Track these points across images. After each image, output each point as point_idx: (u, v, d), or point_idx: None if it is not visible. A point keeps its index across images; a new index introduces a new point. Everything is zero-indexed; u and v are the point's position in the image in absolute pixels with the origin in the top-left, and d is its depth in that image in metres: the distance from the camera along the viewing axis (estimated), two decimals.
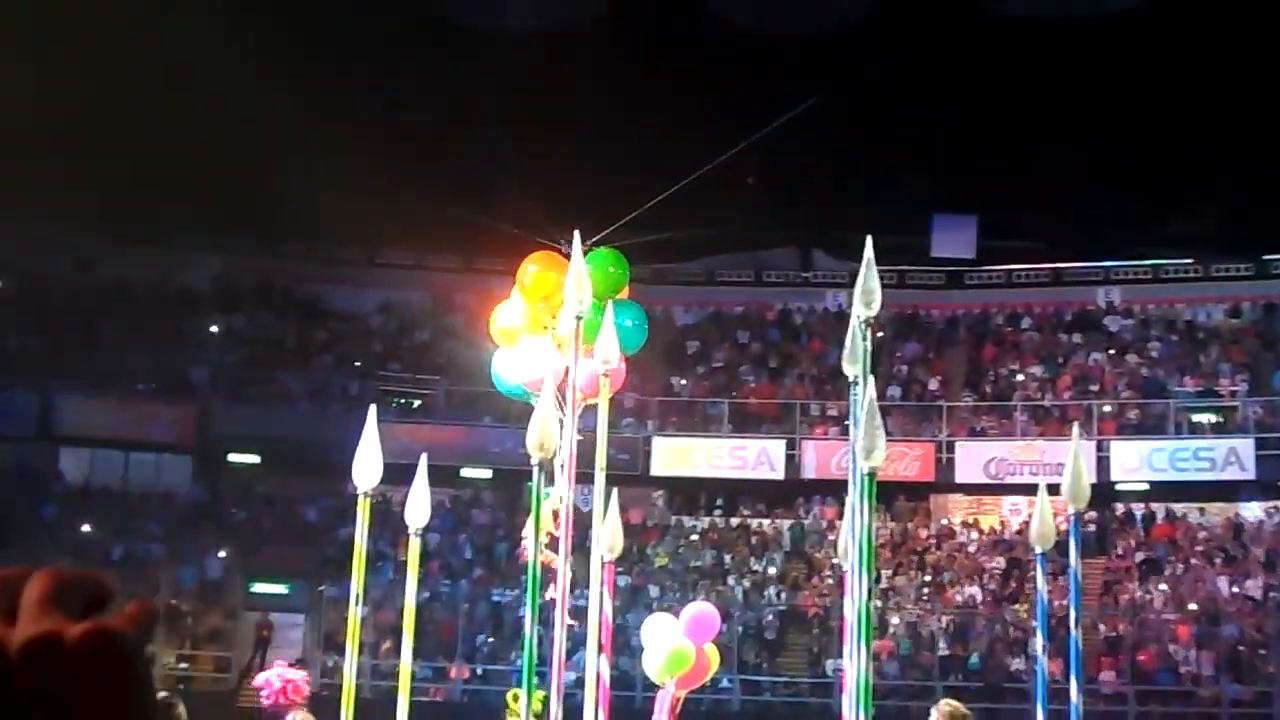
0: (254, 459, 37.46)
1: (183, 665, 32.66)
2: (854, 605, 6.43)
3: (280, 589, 34.96)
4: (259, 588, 34.99)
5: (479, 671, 32.21)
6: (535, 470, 8.00)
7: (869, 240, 7.03)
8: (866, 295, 7.02)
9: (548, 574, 14.34)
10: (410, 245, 40.80)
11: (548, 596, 13.86)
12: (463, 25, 34.83)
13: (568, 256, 13.51)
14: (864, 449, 6.37)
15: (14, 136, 31.20)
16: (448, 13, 34.92)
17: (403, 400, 38.10)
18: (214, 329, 39.92)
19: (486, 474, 37.07)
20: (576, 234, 9.40)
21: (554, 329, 13.30)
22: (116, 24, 30.51)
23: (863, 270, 7.10)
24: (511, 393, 13.55)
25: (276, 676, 12.92)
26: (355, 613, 9.08)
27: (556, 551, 13.46)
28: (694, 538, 36.70)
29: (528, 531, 13.29)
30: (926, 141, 35.43)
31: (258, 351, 39.22)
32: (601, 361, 9.38)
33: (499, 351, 13.44)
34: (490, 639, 32.80)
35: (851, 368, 7.12)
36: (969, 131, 34.82)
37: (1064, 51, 32.80)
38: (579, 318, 9.05)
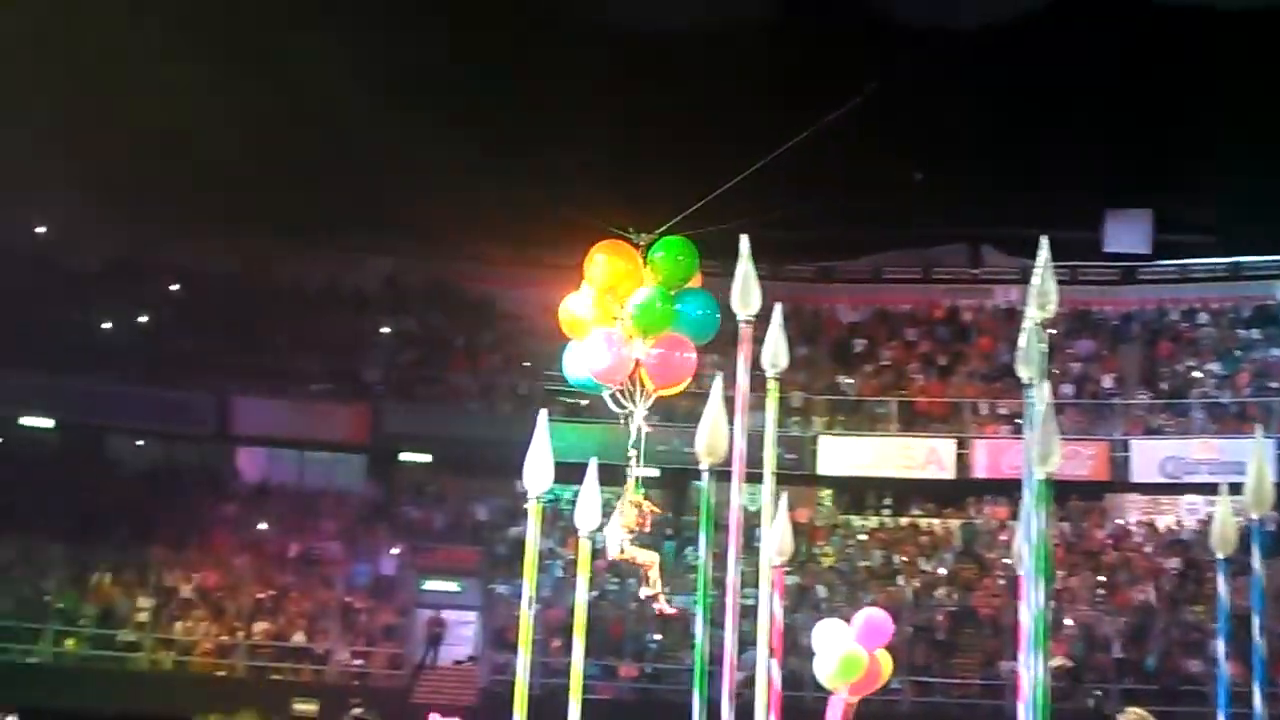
0: (425, 458, 37.96)
1: (357, 662, 33.17)
2: (1029, 612, 6.31)
3: (452, 586, 35.39)
4: (431, 585, 35.45)
5: (648, 670, 32.29)
6: (705, 475, 7.94)
7: (1044, 240, 6.83)
8: (1042, 297, 6.83)
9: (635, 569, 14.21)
10: (572, 245, 41.00)
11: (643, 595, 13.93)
12: (622, 27, 35.00)
13: (636, 246, 13.53)
14: (1039, 454, 6.23)
15: (189, 142, 32.09)
16: (607, 16, 35.13)
17: (570, 400, 38.34)
18: (385, 330, 40.51)
19: (654, 473, 37.03)
20: (744, 239, 9.30)
21: (623, 320, 13.16)
22: (283, 34, 31.20)
23: (1039, 271, 6.91)
24: (582, 386, 13.54)
25: None
26: (527, 613, 9.20)
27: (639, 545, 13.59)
28: (862, 537, 36.44)
29: (609, 530, 13.37)
30: (1099, 135, 34.82)
31: (428, 352, 39.72)
32: (770, 365, 9.27)
33: (570, 344, 13.23)
34: (658, 638, 32.86)
35: (1026, 370, 6.93)
36: (1143, 124, 34.16)
37: (1241, 40, 32.02)
38: (748, 322, 8.98)
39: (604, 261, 13.23)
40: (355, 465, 38.64)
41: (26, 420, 36.19)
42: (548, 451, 9.39)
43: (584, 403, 38.06)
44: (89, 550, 33.41)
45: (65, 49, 31.32)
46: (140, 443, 37.51)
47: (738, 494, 8.44)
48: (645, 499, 13.44)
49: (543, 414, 9.65)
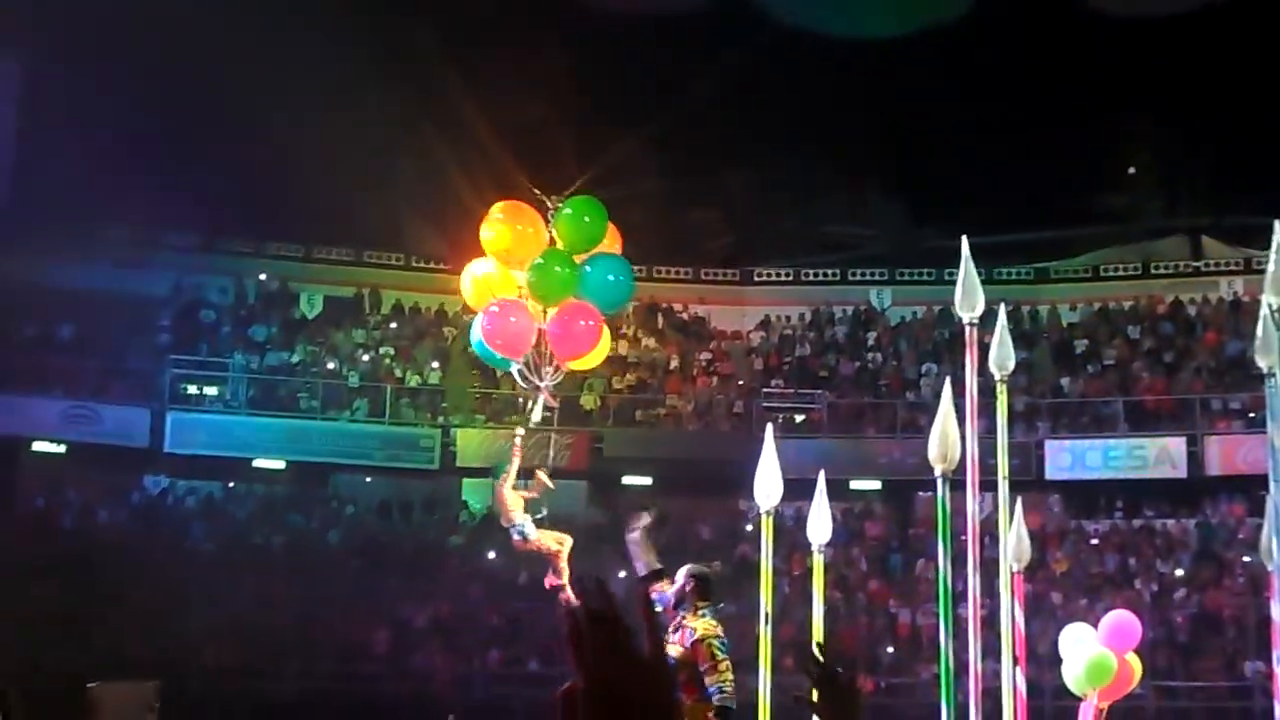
0: (646, 480, 38.16)
1: None
2: None
3: None
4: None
5: (882, 685, 31.99)
6: (939, 483, 7.86)
7: (1278, 225, 6.64)
8: (1278, 283, 6.64)
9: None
10: (784, 259, 41.13)
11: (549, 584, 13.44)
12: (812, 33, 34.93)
13: (538, 207, 12.63)
14: None
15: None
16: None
17: (787, 416, 38.23)
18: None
19: (876, 485, 36.87)
20: (965, 241, 9.18)
21: (523, 291, 12.60)
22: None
23: (1273, 258, 6.72)
24: (488, 358, 13.10)
25: None
26: (763, 630, 9.21)
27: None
28: (1095, 542, 35.68)
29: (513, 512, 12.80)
30: None
31: (644, 375, 39.99)
32: (997, 368, 9.14)
33: (478, 316, 12.75)
34: (891, 650, 32.57)
35: (1264, 359, 6.73)
36: None
37: None
38: (971, 325, 8.86)
39: (499, 225, 12.50)
40: (578, 491, 38.99)
41: (260, 463, 37.29)
42: (776, 467, 9.36)
43: (799, 419, 38.11)
44: (323, 584, 34.25)
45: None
46: (369, 479, 38.38)
47: (974, 501, 8.34)
48: (540, 475, 13.04)
49: (769, 429, 9.64)
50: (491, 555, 36.23)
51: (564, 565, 13.48)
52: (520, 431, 13.84)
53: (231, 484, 37.07)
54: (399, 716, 30.78)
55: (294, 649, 32.77)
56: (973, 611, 7.92)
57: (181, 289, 38.92)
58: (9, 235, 35.00)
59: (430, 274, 41.28)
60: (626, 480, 38.45)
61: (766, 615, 9.27)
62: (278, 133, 30.30)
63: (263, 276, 40.78)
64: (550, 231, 12.92)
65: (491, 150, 36.76)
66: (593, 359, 13.47)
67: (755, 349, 41.40)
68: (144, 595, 29.44)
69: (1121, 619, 12.95)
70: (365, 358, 39.75)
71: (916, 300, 40.05)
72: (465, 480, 38.78)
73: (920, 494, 33.20)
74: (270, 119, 30.38)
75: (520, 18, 33.94)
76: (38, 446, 35.23)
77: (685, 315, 42.20)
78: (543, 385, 12.83)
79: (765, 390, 38.94)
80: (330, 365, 39.09)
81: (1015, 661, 8.66)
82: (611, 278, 12.61)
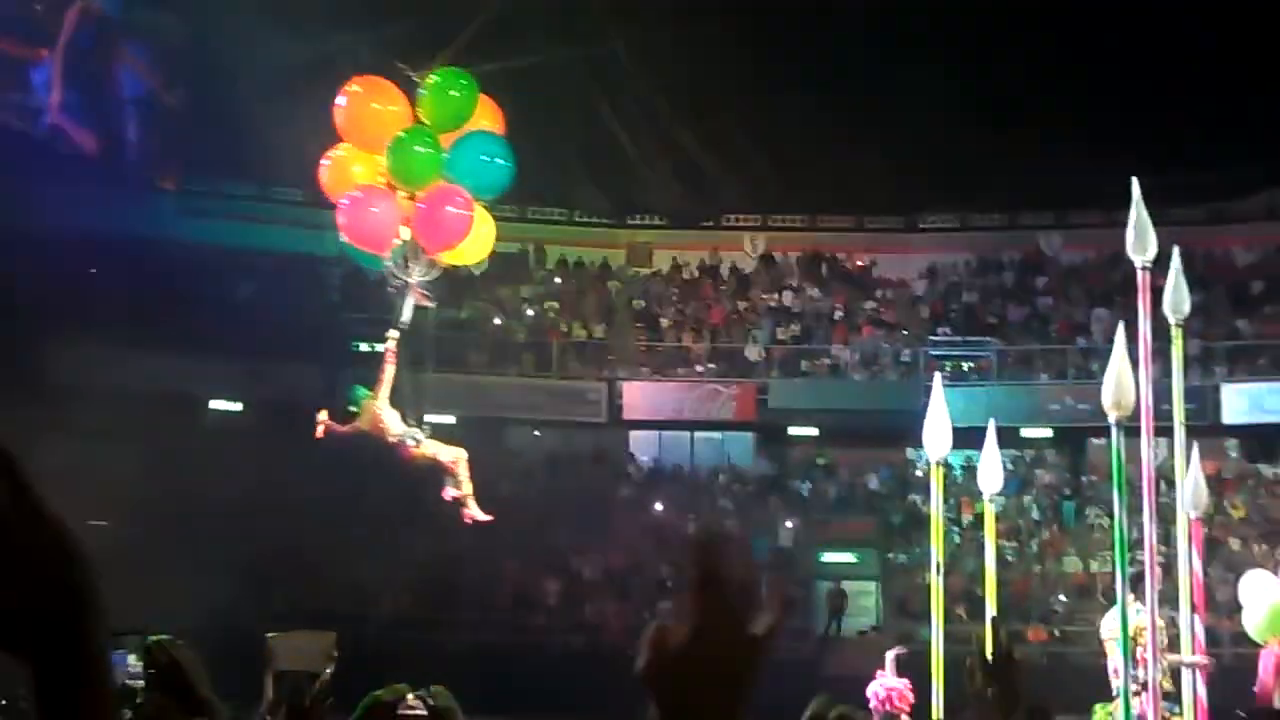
0: (813, 431, 38.06)
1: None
2: None
3: (849, 557, 35.46)
4: (828, 556, 35.59)
5: (1056, 634, 31.66)
6: (1114, 430, 7.73)
7: None
8: None
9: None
10: (950, 206, 40.65)
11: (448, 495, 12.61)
12: None
13: (399, 84, 11.13)
14: None
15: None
16: None
17: (955, 364, 37.85)
18: (766, 306, 40.86)
19: (1047, 433, 36.41)
20: (1135, 182, 8.96)
21: (385, 175, 11.13)
22: None
23: None
24: (354, 256, 11.87)
25: (881, 687, 12.91)
26: (936, 579, 9.15)
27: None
28: (1274, 486, 34.88)
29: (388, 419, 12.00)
30: None
31: (809, 325, 39.85)
32: (1172, 311, 8.94)
33: (338, 208, 11.34)
34: (1064, 599, 32.22)
35: None
36: None
37: None
38: (1145, 269, 8.66)
39: (352, 102, 10.96)
40: (745, 443, 39.06)
41: (431, 419, 37.79)
42: (945, 416, 9.26)
43: (968, 366, 37.68)
44: (496, 536, 34.68)
45: None
46: (537, 433, 38.78)
47: (1149, 448, 8.19)
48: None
49: (937, 378, 9.53)
50: (659, 506, 36.47)
51: (463, 477, 12.89)
52: (392, 335, 12.56)
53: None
54: (571, 666, 31.14)
55: (467, 601, 33.33)
56: (1149, 559, 7.79)
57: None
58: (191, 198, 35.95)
59: (594, 228, 41.66)
60: (793, 431, 38.40)
61: (938, 566, 9.20)
62: None
63: None
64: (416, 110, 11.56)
65: (658, 108, 36.96)
66: (471, 251, 11.95)
67: (921, 297, 41.04)
68: (322, 548, 30.07)
69: None
70: (531, 313, 40.10)
71: (1087, 244, 39.30)
72: (632, 432, 39.03)
73: (1093, 441, 32.64)
74: None
75: None
76: (216, 405, 36.16)
77: (849, 264, 41.95)
78: (412, 282, 11.63)
79: (932, 338, 38.60)
80: (497, 321, 39.48)
81: (1193, 609, 8.50)
82: (484, 157, 11.07)
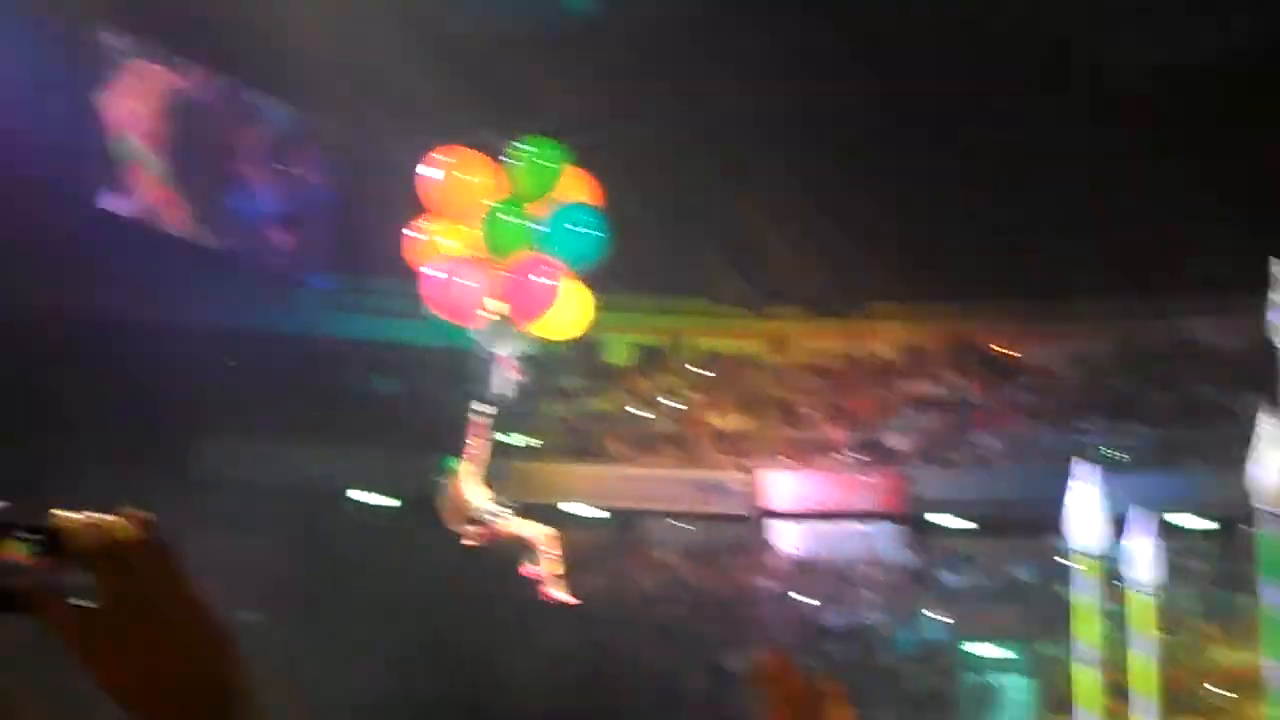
0: (960, 522, 37.55)
1: None
2: None
3: (998, 650, 34.81)
4: (976, 648, 34.97)
5: None
6: (1264, 517, 7.50)
7: None
8: None
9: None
10: (1097, 292, 40.06)
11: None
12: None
13: (489, 152, 10.93)
14: None
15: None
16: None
17: (1103, 452, 37.14)
18: (906, 394, 40.52)
19: (1199, 521, 35.55)
20: (1273, 262, 8.70)
21: (473, 246, 10.92)
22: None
23: None
24: (442, 329, 11.54)
25: None
26: (1091, 671, 8.90)
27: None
28: None
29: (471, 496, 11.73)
30: None
31: (954, 414, 39.42)
32: None
33: (423, 280, 11.16)
34: (1219, 691, 31.31)
35: None
36: None
37: None
38: None
39: (441, 175, 10.84)
40: (890, 534, 38.60)
41: (568, 508, 38.00)
42: (1094, 505, 9.07)
43: (1116, 454, 36.90)
44: (639, 629, 34.59)
45: None
46: (679, 525, 38.68)
47: None
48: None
49: (1084, 467, 9.32)
50: (803, 599, 36.14)
51: (551, 555, 12.45)
52: (482, 408, 12.05)
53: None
54: None
55: (612, 693, 33.21)
56: None
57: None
58: (335, 294, 36.61)
59: (734, 319, 41.66)
60: (939, 521, 37.92)
61: (1089, 658, 8.98)
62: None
63: None
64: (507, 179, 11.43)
65: (796, 194, 36.87)
66: (563, 323, 11.47)
67: (1068, 384, 40.42)
68: (466, 640, 30.21)
69: None
70: (671, 403, 40.15)
71: (1235, 328, 38.46)
72: (774, 524, 38.79)
73: (1245, 528, 31.81)
74: None
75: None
76: (361, 497, 36.58)
77: (995, 352, 41.51)
78: (501, 354, 11.31)
79: (1080, 426, 37.95)
80: (637, 412, 39.57)
81: None
82: (574, 226, 10.85)
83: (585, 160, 11.72)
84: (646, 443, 38.43)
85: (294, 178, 34.22)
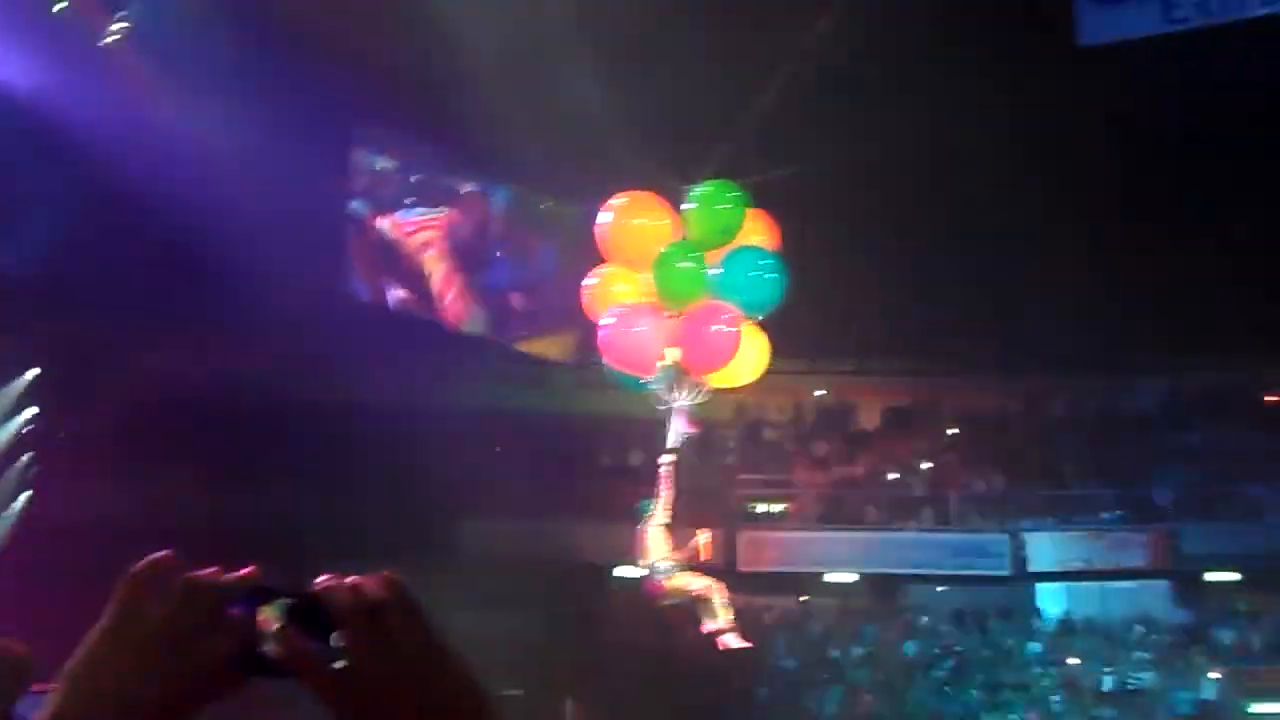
0: (1233, 576, 36.36)
1: None
2: None
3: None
4: (1258, 708, 33.73)
5: None
6: None
7: None
8: None
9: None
10: None
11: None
12: None
13: (667, 195, 10.39)
14: None
15: None
16: None
17: None
18: (1172, 449, 39.50)
19: None
20: None
21: (650, 294, 10.35)
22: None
23: None
24: (619, 380, 11.01)
25: None
26: None
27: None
28: None
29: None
30: None
31: (1221, 466, 38.23)
32: None
33: (600, 328, 10.68)
34: None
35: None
36: None
37: None
38: None
39: (616, 218, 10.44)
40: (1160, 591, 37.54)
41: (831, 577, 37.82)
42: None
43: None
44: (900, 697, 34.25)
45: None
46: (940, 589, 38.24)
47: None
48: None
49: None
50: (1073, 661, 35.39)
51: (718, 605, 12.18)
52: (666, 459, 11.92)
53: (805, 598, 37.69)
54: None
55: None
56: None
57: (742, 410, 40.18)
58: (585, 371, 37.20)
59: (987, 379, 41.16)
60: (1211, 577, 36.76)
61: None
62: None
63: (819, 392, 41.67)
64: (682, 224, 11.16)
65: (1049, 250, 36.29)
66: (742, 372, 11.24)
67: None
68: (729, 709, 30.29)
69: None
70: (928, 466, 39.83)
71: None
72: (1039, 585, 38.10)
73: None
74: None
75: None
76: (621, 571, 37.02)
77: (1263, 400, 40.30)
78: (675, 405, 11.01)
79: None
80: (893, 476, 39.33)
81: None
82: (753, 273, 10.52)
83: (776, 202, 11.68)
84: (903, 506, 38.16)
85: (529, 257, 34.99)
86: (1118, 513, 37.54)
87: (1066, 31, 25.87)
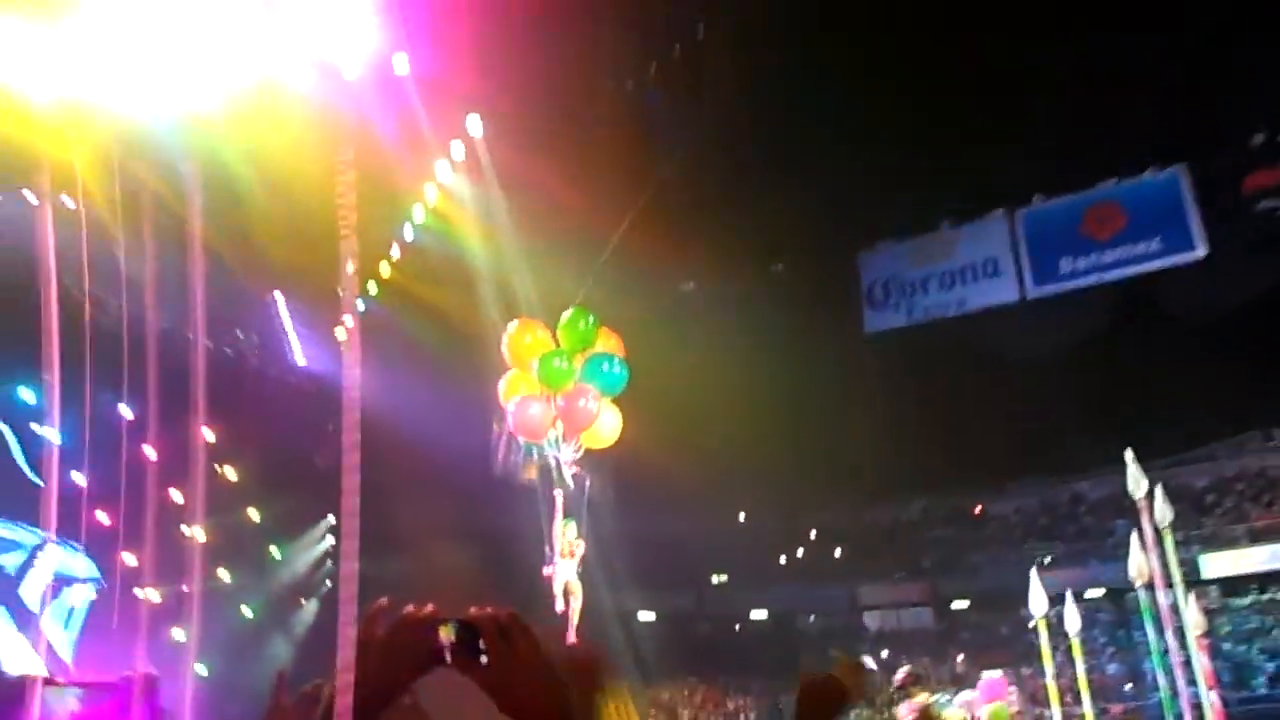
0: None
1: None
2: None
3: None
4: None
5: None
6: None
7: None
8: None
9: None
10: None
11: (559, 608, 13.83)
12: None
13: (545, 324, 13.54)
14: None
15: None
16: None
17: None
18: None
19: None
20: None
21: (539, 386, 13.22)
22: None
23: None
24: (525, 444, 14.03)
25: None
26: None
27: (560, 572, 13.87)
28: None
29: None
30: None
31: None
32: None
33: (506, 411, 13.67)
34: None
35: None
36: None
37: None
38: None
39: (512, 336, 13.57)
40: None
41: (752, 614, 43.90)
42: None
43: None
44: None
45: None
46: None
47: None
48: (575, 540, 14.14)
49: None
50: None
51: (575, 599, 14.20)
52: (558, 494, 13.93)
53: None
54: None
55: None
56: None
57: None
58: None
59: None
60: None
61: None
62: None
63: None
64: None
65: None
66: (603, 436, 13.72)
67: None
68: None
69: None
70: None
71: None
72: None
73: None
74: None
75: None
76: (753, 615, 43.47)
77: None
78: (563, 459, 13.36)
79: None
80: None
81: None
82: (605, 367, 13.23)
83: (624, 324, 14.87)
84: None
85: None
86: None
87: None
